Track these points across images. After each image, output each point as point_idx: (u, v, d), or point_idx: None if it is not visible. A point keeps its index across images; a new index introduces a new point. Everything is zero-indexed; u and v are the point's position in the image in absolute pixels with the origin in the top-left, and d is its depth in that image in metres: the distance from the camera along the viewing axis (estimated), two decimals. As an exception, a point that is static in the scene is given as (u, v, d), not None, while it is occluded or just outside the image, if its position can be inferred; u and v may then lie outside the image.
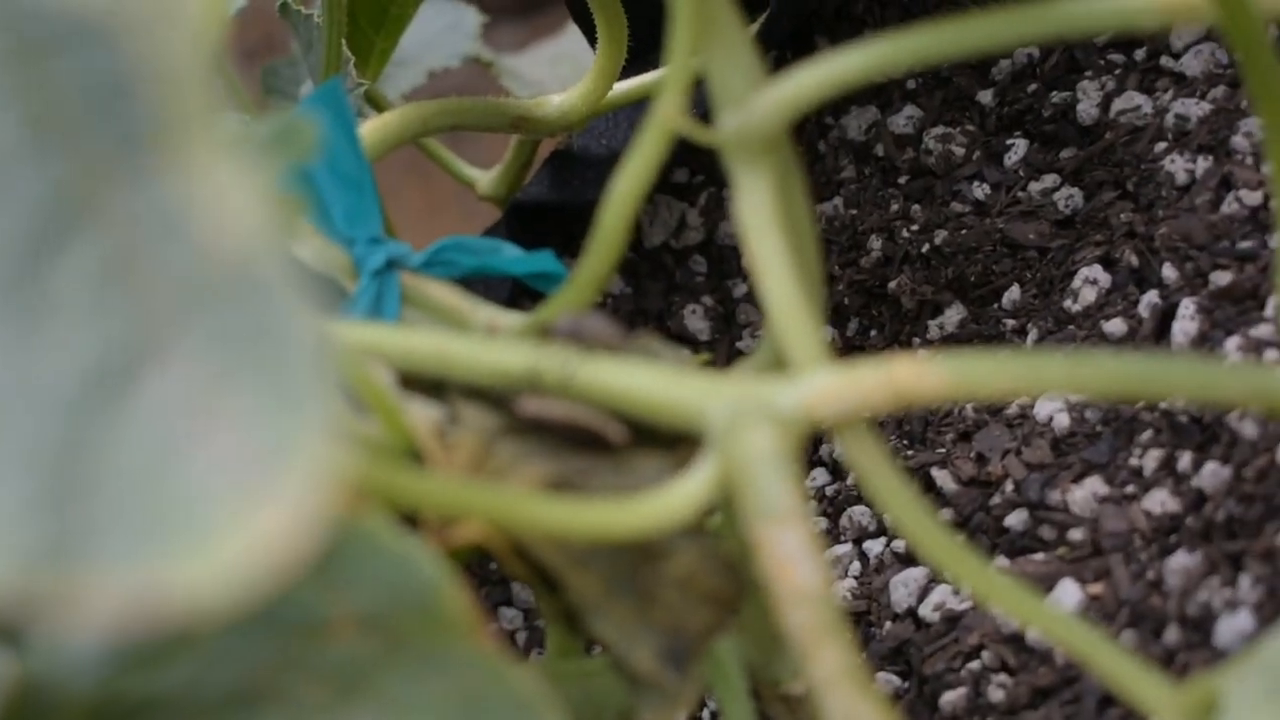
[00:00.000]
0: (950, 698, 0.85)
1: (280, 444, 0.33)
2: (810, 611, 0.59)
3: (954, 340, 1.00)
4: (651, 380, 0.63)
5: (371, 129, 0.93)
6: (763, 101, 0.65)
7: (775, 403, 0.60)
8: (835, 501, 1.00)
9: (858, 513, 0.97)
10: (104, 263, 0.34)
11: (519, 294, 1.05)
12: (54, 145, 0.34)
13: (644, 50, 1.06)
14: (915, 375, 0.60)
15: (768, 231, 0.64)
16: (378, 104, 1.13)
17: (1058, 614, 0.61)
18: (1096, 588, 0.82)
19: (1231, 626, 0.75)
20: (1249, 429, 0.80)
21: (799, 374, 0.62)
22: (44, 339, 0.34)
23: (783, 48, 1.09)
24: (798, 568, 0.59)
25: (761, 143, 0.65)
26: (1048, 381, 0.61)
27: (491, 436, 0.65)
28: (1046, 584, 0.83)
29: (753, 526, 0.60)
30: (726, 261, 1.12)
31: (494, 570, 1.07)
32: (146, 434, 0.34)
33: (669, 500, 0.60)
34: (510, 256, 0.82)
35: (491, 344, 0.66)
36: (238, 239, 0.33)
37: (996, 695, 0.83)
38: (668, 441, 0.65)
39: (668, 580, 0.63)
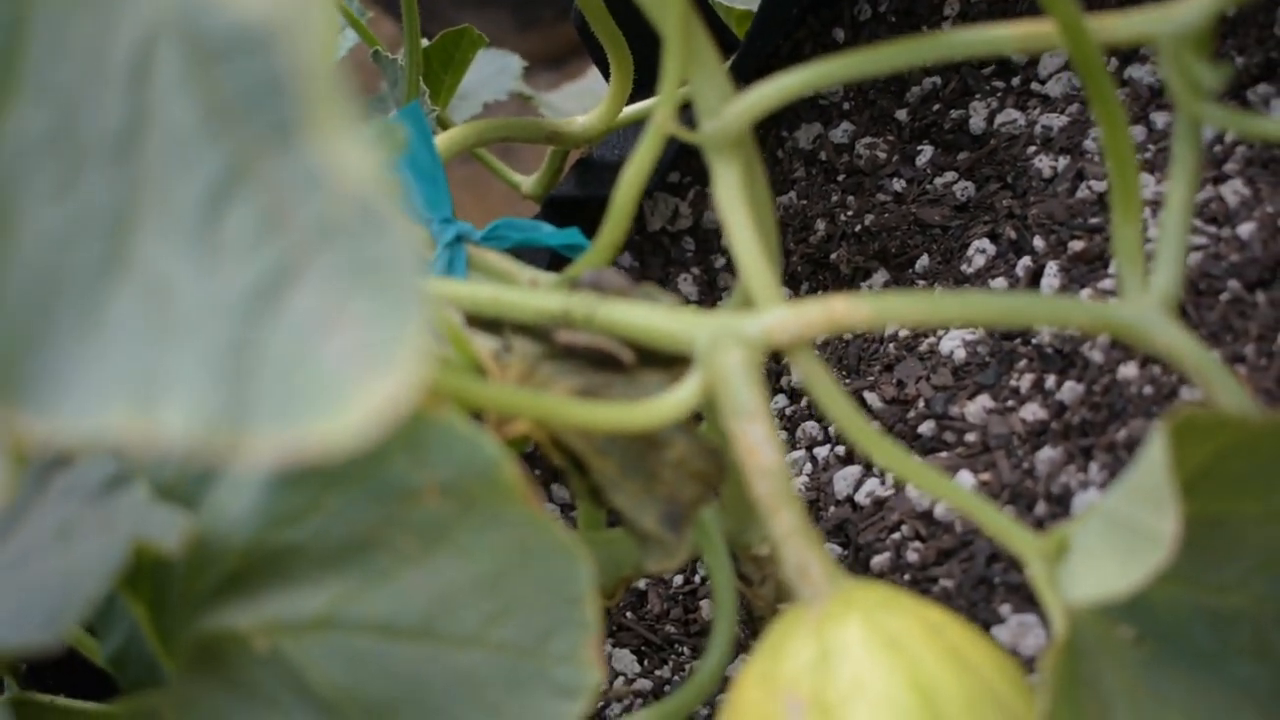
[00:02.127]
0: (878, 560, 0.86)
1: (389, 340, 0.35)
2: (772, 484, 0.61)
3: (880, 297, 1.01)
4: (653, 316, 0.65)
5: (443, 139, 0.94)
6: (731, 109, 0.67)
7: (744, 330, 0.62)
8: (793, 419, 1.01)
9: (809, 426, 0.99)
10: (261, 212, 0.36)
11: (556, 262, 1.06)
12: (225, 127, 0.36)
13: (645, 83, 1.07)
14: (847, 308, 0.62)
15: (737, 205, 0.66)
16: (446, 126, 1.15)
17: (959, 488, 0.63)
18: (986, 475, 0.84)
19: (1084, 500, 0.77)
20: (1097, 356, 0.82)
21: (761, 309, 0.64)
22: (220, 267, 0.36)
23: (748, 81, 1.10)
24: (762, 451, 0.61)
25: (731, 141, 0.67)
26: (944, 314, 0.63)
27: (535, 360, 0.67)
28: (949, 474, 0.85)
29: (728, 422, 0.62)
30: (709, 242, 1.13)
31: (536, 475, 1.09)
32: (292, 331, 0.36)
33: (667, 403, 0.62)
34: (547, 232, 0.84)
35: (534, 292, 0.68)
36: (362, 187, 0.35)
37: (912, 557, 0.84)
38: (665, 362, 0.67)
39: (666, 463, 0.65)
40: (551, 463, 0.68)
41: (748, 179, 0.68)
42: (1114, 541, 0.53)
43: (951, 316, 0.63)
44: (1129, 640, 0.59)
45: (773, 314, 0.63)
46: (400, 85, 1.10)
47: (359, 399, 0.35)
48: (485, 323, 0.69)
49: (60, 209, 0.37)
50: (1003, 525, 0.62)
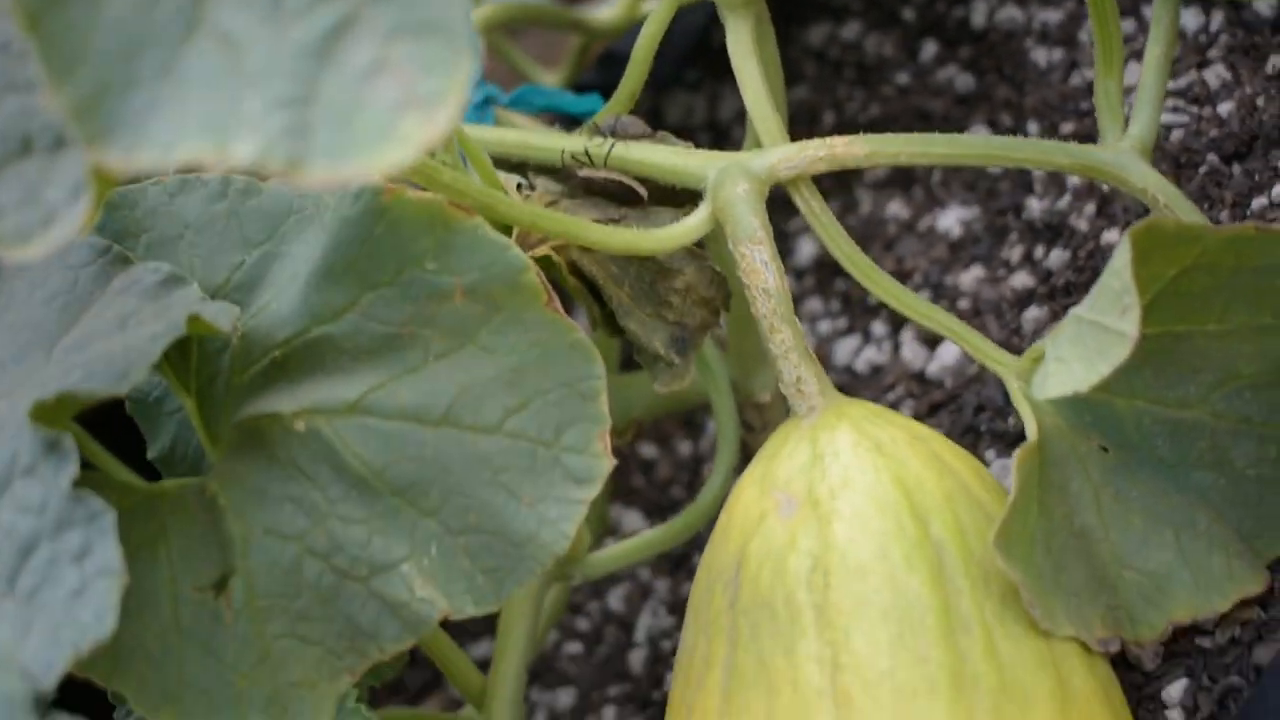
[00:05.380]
0: (874, 417, 0.90)
1: (437, 90, 0.39)
2: (773, 303, 0.65)
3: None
4: (667, 156, 0.69)
5: (478, 14, 0.98)
6: (746, -33, 0.71)
7: (751, 165, 0.66)
8: (798, 298, 1.04)
9: (813, 303, 1.03)
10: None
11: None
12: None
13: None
14: (846, 146, 0.66)
15: (748, 56, 0.70)
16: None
17: (947, 316, 0.67)
18: (976, 337, 0.88)
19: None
20: (1082, 224, 0.85)
21: (767, 148, 0.68)
22: (285, 24, 0.40)
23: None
24: (765, 272, 0.65)
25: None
26: (934, 153, 0.67)
27: (556, 196, 0.71)
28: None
29: (734, 246, 0.66)
30: (723, 137, 1.17)
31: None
32: (349, 79, 0.39)
33: (678, 229, 0.66)
34: (570, 99, 0.88)
35: (558, 135, 0.72)
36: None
37: (906, 411, 0.88)
38: (678, 200, 0.70)
39: (675, 290, 0.69)
40: (567, 289, 0.72)
41: (758, 35, 0.72)
42: (1082, 344, 0.57)
43: (941, 155, 0.67)
44: (1096, 450, 0.63)
45: (778, 151, 0.67)
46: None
47: (405, 140, 0.39)
48: (511, 166, 0.73)
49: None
50: (984, 349, 0.66)
